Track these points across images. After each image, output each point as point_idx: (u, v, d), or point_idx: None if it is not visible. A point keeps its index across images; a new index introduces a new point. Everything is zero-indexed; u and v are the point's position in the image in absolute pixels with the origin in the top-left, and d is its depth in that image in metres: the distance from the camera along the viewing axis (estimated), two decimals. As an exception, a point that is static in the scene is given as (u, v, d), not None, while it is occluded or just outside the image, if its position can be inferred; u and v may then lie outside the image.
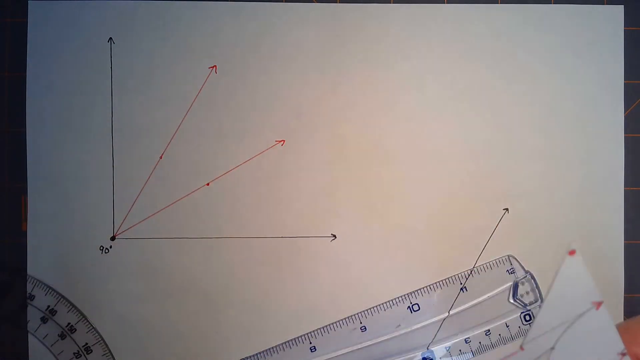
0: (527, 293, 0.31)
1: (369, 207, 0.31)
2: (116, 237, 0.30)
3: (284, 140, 0.31)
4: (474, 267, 0.31)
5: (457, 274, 0.31)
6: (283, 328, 0.31)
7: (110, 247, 0.30)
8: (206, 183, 0.31)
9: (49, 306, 0.30)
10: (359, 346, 0.30)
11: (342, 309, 0.31)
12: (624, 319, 0.31)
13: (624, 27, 0.31)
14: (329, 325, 0.30)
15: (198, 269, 0.30)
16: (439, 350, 0.30)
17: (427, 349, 0.30)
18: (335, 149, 0.31)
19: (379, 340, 0.30)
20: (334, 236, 0.31)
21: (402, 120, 0.31)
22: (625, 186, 0.31)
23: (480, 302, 0.31)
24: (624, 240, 0.31)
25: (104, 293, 0.30)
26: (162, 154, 0.30)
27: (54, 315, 0.30)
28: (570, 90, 0.31)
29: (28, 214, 0.30)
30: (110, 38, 0.31)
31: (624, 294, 0.31)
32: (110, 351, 0.30)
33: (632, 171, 0.31)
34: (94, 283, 0.30)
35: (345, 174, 0.31)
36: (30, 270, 0.30)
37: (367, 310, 0.30)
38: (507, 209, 0.31)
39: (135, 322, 0.30)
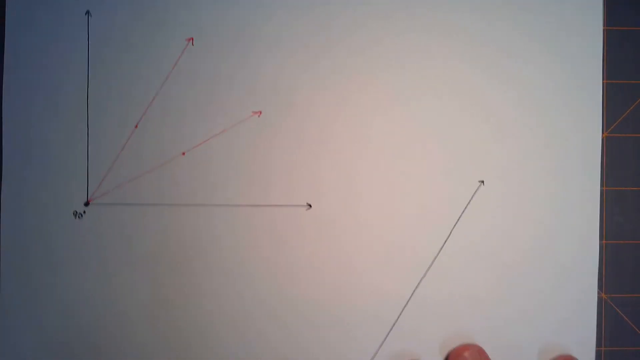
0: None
1: (345, 177, 0.31)
2: (90, 203, 0.30)
3: (260, 112, 0.31)
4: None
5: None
6: (257, 294, 0.30)
7: (84, 212, 0.30)
8: (182, 152, 0.31)
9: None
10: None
11: (316, 276, 0.30)
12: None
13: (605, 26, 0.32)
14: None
15: (172, 236, 0.30)
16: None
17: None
18: (312, 120, 0.31)
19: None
20: (309, 205, 0.31)
21: (380, 95, 0.31)
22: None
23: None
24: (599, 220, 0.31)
25: (78, 259, 0.30)
26: (138, 123, 0.31)
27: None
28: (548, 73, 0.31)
29: (2, 178, 0.30)
30: (88, 11, 0.31)
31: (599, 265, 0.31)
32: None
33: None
34: (68, 248, 0.30)
35: (321, 145, 0.31)
36: (4, 234, 0.30)
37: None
38: (482, 181, 0.31)
39: (109, 289, 0.30)
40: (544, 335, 0.31)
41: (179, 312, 0.30)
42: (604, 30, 0.32)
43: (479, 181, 0.31)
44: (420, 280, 0.31)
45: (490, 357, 0.30)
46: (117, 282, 0.30)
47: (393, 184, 0.31)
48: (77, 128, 0.30)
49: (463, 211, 0.31)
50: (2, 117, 0.30)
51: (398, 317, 0.30)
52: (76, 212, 0.30)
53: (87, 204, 0.30)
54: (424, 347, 0.30)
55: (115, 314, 0.30)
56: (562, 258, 0.31)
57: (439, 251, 0.31)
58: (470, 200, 0.31)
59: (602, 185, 0.32)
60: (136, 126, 0.30)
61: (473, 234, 0.31)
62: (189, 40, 0.31)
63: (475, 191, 0.31)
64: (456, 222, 0.31)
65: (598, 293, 0.32)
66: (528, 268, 0.31)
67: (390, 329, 0.30)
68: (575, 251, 0.31)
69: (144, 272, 0.30)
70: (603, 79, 0.32)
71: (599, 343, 0.32)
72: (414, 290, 0.30)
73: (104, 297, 0.30)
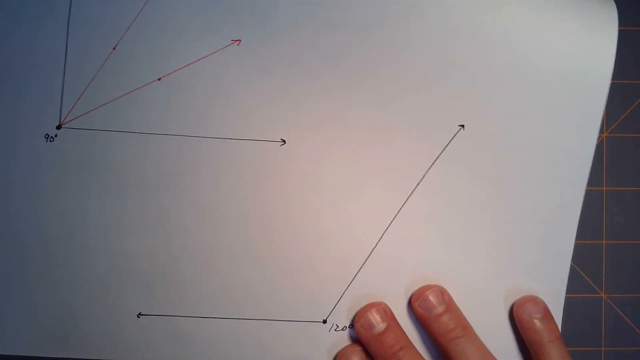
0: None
1: (320, 113, 0.30)
2: (62, 126, 0.30)
3: (239, 40, 0.30)
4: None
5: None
6: (227, 226, 0.30)
7: (56, 135, 0.30)
8: (157, 78, 0.30)
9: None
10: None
11: (289, 211, 0.30)
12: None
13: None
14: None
15: (143, 165, 0.30)
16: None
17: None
18: (292, 51, 0.30)
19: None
20: (283, 141, 0.30)
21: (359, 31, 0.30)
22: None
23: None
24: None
25: (47, 182, 0.30)
26: (116, 46, 0.30)
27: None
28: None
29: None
30: None
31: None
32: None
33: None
34: (38, 172, 0.30)
35: (299, 76, 0.30)
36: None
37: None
38: (462, 126, 0.30)
39: (78, 215, 0.30)
40: (512, 280, 0.31)
41: (148, 240, 0.30)
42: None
43: (459, 125, 0.30)
44: (390, 223, 0.30)
45: (455, 300, 0.30)
46: (86, 209, 0.30)
47: (370, 123, 0.30)
48: (54, 48, 0.30)
49: (439, 155, 0.30)
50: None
51: (366, 259, 0.30)
52: (47, 135, 0.30)
53: (59, 127, 0.30)
54: (390, 290, 0.30)
55: (82, 241, 0.30)
56: (544, 203, 0.30)
57: (411, 193, 0.30)
58: (447, 144, 0.30)
59: (602, 184, 0.32)
60: (114, 48, 0.30)
61: (448, 178, 0.30)
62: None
63: (454, 135, 0.30)
64: (431, 165, 0.30)
65: (598, 293, 0.32)
66: (506, 213, 0.30)
67: (357, 272, 0.30)
68: (558, 198, 0.30)
69: (114, 199, 0.30)
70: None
71: (599, 343, 0.32)
72: (383, 233, 0.30)
73: (72, 223, 0.30)
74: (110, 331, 0.30)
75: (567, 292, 0.31)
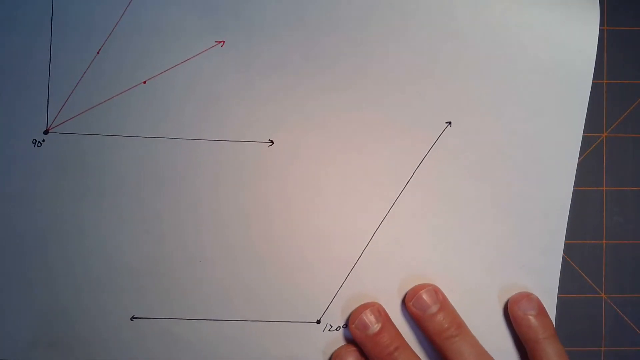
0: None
1: (307, 113, 0.30)
2: (49, 131, 0.30)
3: (223, 41, 0.30)
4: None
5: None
6: (217, 228, 0.30)
7: (43, 140, 0.30)
8: (143, 81, 0.30)
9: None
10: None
11: (279, 212, 0.30)
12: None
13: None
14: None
15: (131, 168, 0.30)
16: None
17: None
18: (278, 52, 0.30)
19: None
20: (271, 142, 0.30)
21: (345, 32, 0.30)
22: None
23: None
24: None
25: (35, 188, 0.30)
26: (100, 50, 0.30)
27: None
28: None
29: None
30: None
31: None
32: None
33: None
34: (27, 177, 0.30)
35: (287, 77, 0.30)
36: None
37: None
38: (449, 122, 0.30)
39: (68, 220, 0.30)
40: (504, 276, 0.30)
41: (136, 245, 0.30)
42: (604, 30, 0.31)
43: (446, 122, 0.30)
44: (381, 222, 0.30)
45: (449, 298, 0.30)
46: (77, 213, 0.30)
47: (357, 123, 0.30)
48: (39, 53, 0.30)
49: (427, 152, 0.30)
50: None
51: (358, 259, 0.30)
52: (35, 140, 0.30)
53: (46, 132, 0.30)
54: (383, 289, 0.30)
55: (72, 246, 0.30)
56: (532, 198, 0.30)
57: (400, 192, 0.30)
58: (435, 141, 0.30)
59: (602, 184, 0.32)
60: (98, 52, 0.30)
61: (438, 175, 0.30)
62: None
63: (442, 132, 0.30)
64: (419, 163, 0.30)
65: (598, 293, 0.31)
66: (495, 209, 0.30)
67: (350, 272, 0.30)
68: (546, 193, 0.30)
69: (104, 203, 0.30)
70: (604, 79, 0.31)
71: (598, 343, 0.32)
72: (374, 232, 0.30)
73: (61, 228, 0.30)
74: (105, 334, 0.30)
75: (567, 292, 0.31)
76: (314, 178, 0.30)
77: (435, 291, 0.29)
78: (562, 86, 0.29)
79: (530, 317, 0.29)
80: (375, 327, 0.29)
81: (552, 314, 0.30)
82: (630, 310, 0.32)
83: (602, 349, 0.32)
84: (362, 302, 0.30)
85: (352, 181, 0.30)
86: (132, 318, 0.30)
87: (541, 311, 0.29)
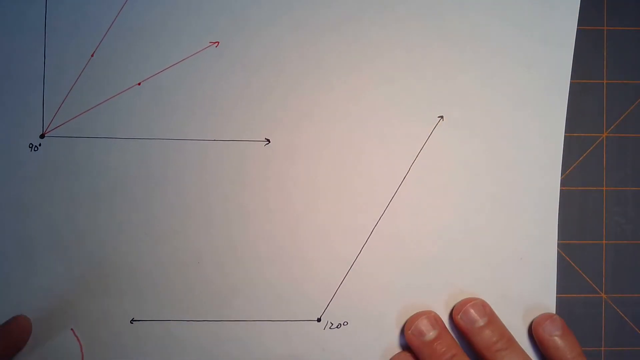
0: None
1: (303, 111, 0.30)
2: (45, 135, 0.30)
3: (218, 42, 0.30)
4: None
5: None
6: (214, 228, 0.30)
7: (40, 144, 0.30)
8: (138, 82, 0.30)
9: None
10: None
11: (276, 211, 0.30)
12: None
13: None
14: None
15: (129, 170, 0.30)
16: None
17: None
18: (271, 51, 0.30)
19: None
20: (268, 141, 0.30)
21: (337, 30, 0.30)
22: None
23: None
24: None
25: (33, 192, 0.30)
26: (94, 52, 0.30)
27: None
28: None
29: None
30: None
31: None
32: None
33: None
34: (24, 181, 0.30)
35: (281, 76, 0.30)
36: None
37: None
38: (442, 117, 0.30)
39: (65, 223, 0.30)
40: (501, 271, 0.30)
41: (134, 247, 0.30)
42: (604, 30, 0.32)
43: (438, 116, 0.30)
44: (379, 219, 0.30)
45: (452, 293, 0.30)
46: (73, 216, 0.30)
47: (352, 120, 0.30)
48: (34, 57, 0.30)
49: (422, 147, 0.30)
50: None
51: (357, 256, 0.30)
52: (32, 145, 0.30)
53: (42, 136, 0.30)
54: (383, 286, 0.30)
55: (69, 250, 0.30)
56: (522, 192, 0.30)
57: (398, 188, 0.30)
58: (429, 135, 0.30)
59: (602, 184, 0.32)
60: (92, 55, 0.30)
61: (433, 170, 0.30)
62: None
63: (435, 127, 0.30)
64: (415, 158, 0.30)
65: (598, 293, 0.32)
66: (490, 203, 0.30)
67: (349, 269, 0.30)
68: (536, 185, 0.30)
69: (101, 206, 0.30)
70: (604, 79, 0.32)
71: (599, 343, 0.32)
72: (372, 230, 0.30)
73: (58, 231, 0.30)
74: (105, 338, 0.30)
75: (567, 292, 0.31)
76: (311, 176, 0.30)
77: (483, 305, 0.29)
78: (543, 80, 0.30)
79: (556, 339, 0.29)
80: (431, 334, 0.29)
81: (552, 308, 0.30)
82: (630, 310, 0.32)
83: (602, 349, 0.32)
84: (364, 299, 0.30)
85: (349, 178, 0.30)
86: (132, 321, 0.30)
87: (565, 331, 0.29)
